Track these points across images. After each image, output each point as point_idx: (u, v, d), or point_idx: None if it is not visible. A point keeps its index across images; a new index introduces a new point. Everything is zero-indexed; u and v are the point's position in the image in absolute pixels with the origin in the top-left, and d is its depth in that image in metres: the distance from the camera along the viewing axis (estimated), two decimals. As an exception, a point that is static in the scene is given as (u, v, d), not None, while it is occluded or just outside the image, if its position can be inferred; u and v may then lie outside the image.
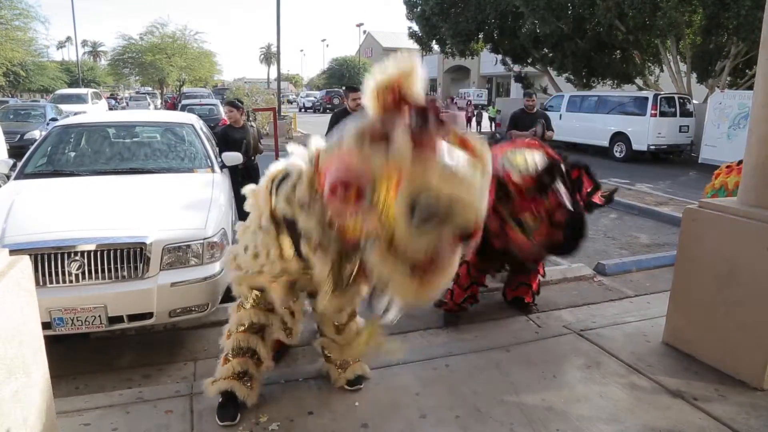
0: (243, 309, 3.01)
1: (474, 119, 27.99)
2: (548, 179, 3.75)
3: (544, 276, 4.84)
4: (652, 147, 15.48)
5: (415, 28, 26.74)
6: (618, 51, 20.14)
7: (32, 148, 5.36)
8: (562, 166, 3.92)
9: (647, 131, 15.38)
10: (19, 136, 13.75)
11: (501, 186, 3.70)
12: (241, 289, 3.01)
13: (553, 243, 3.89)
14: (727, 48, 16.63)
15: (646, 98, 15.89)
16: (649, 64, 20.25)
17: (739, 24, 14.58)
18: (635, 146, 15.71)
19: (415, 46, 28.88)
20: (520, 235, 3.79)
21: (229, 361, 2.99)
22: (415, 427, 2.99)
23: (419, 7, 24.81)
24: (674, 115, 15.68)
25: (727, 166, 5.21)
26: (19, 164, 5.09)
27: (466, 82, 56.51)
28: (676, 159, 16.44)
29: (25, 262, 2.27)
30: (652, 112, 15.35)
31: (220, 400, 3.00)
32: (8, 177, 5.10)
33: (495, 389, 3.35)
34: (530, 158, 3.89)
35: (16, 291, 2.13)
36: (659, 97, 15.77)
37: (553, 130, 8.10)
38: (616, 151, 16.29)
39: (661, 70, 20.10)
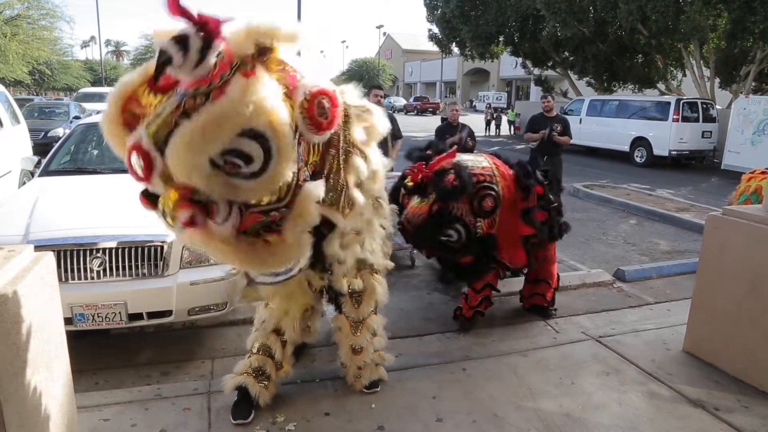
0: (267, 307, 3.09)
1: (493, 122, 27.91)
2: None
3: (557, 288, 4.80)
4: (673, 152, 15.30)
5: (435, 30, 26.74)
6: (640, 55, 19.95)
7: (56, 145, 5.44)
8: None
9: (669, 136, 15.20)
10: (43, 133, 13.97)
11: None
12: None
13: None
14: (753, 53, 16.37)
15: (668, 103, 15.71)
16: (672, 68, 20.01)
17: (766, 28, 14.36)
18: (656, 151, 15.53)
19: (435, 48, 28.91)
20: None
21: (248, 357, 3.07)
22: (432, 431, 2.98)
23: (440, 10, 24.81)
24: (697, 120, 15.46)
25: (762, 171, 5.04)
26: (44, 162, 5.17)
27: (485, 85, 56.40)
28: (698, 165, 16.23)
29: (49, 258, 2.30)
30: (675, 117, 15.17)
31: (236, 398, 3.03)
32: (33, 174, 5.18)
33: (512, 394, 3.32)
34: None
35: (40, 286, 2.16)
36: (682, 101, 15.58)
37: (570, 136, 7.94)
38: (637, 156, 16.12)
39: (684, 75, 19.85)
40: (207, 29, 1.88)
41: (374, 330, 3.24)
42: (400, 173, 4.21)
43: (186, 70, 1.89)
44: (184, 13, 1.84)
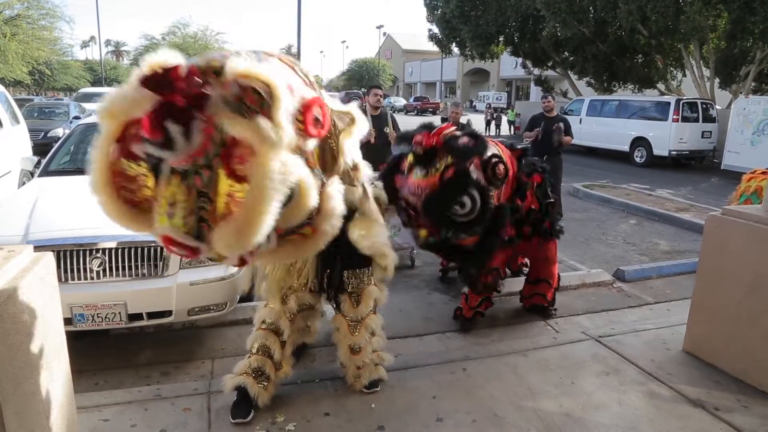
0: (266, 307, 3.12)
1: (493, 122, 27.91)
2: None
3: (558, 288, 4.80)
4: (673, 152, 15.30)
5: (435, 30, 26.76)
6: (640, 55, 19.95)
7: (56, 146, 5.44)
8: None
9: (669, 136, 15.20)
10: (43, 133, 13.98)
11: None
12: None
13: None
14: (752, 53, 16.38)
15: (668, 103, 15.72)
16: (672, 68, 20.01)
17: (766, 28, 14.37)
18: (656, 151, 15.54)
19: (435, 48, 28.92)
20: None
21: (248, 358, 3.07)
22: (432, 430, 2.97)
23: (440, 10, 24.82)
24: (697, 120, 15.47)
25: (763, 171, 5.04)
26: (44, 162, 5.17)
27: (485, 85, 56.39)
28: (697, 165, 16.23)
29: (49, 259, 2.30)
30: (674, 117, 15.17)
31: (235, 398, 3.03)
32: (32, 174, 5.18)
33: (512, 394, 3.32)
34: None
35: (40, 287, 2.16)
36: (681, 102, 15.58)
37: (571, 135, 7.91)
38: (637, 156, 16.12)
39: (684, 75, 19.85)
40: (192, 99, 1.86)
41: (372, 330, 3.24)
42: None
43: (181, 151, 1.86)
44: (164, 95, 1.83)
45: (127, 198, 2.06)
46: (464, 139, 3.48)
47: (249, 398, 2.99)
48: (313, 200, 2.17)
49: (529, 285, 4.77)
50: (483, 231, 3.64)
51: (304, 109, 2.15)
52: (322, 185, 2.35)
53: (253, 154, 1.87)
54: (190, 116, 1.85)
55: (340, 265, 3.07)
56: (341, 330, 3.20)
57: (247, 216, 1.88)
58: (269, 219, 1.90)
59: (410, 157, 3.55)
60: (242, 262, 2.17)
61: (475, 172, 3.50)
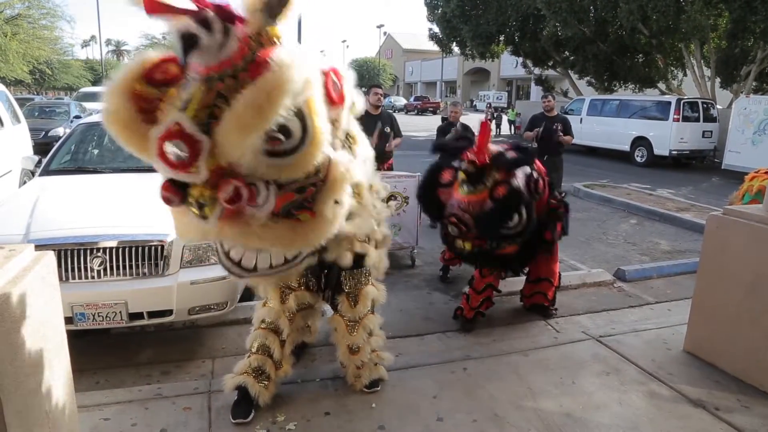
0: (265, 306, 3.11)
1: (494, 122, 27.90)
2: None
3: (558, 286, 4.80)
4: (674, 152, 15.29)
5: (436, 29, 26.78)
6: (640, 54, 19.94)
7: (57, 145, 5.44)
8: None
9: (669, 136, 15.19)
10: (43, 132, 13.97)
11: None
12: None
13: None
14: (753, 52, 16.37)
15: (669, 103, 15.70)
16: (672, 68, 20.01)
17: (767, 28, 14.34)
18: (657, 151, 15.53)
19: (436, 47, 28.92)
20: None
21: (248, 357, 3.07)
22: (432, 430, 2.97)
23: (440, 9, 24.83)
24: (697, 120, 15.46)
25: (766, 171, 5.01)
26: (44, 161, 5.17)
27: (486, 85, 56.37)
28: (698, 165, 16.23)
29: (50, 258, 2.30)
30: (675, 116, 15.16)
31: (236, 397, 3.03)
32: (33, 173, 5.18)
33: (513, 394, 3.32)
34: None
35: (41, 286, 2.16)
36: (682, 101, 15.57)
37: (572, 135, 7.89)
38: (637, 156, 16.11)
39: (685, 75, 19.85)
40: (224, 12, 1.87)
41: (371, 329, 3.24)
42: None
43: (212, 52, 1.86)
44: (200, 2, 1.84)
45: (140, 109, 1.95)
46: (512, 154, 3.73)
47: (250, 398, 2.98)
48: (323, 148, 2.13)
49: (530, 284, 4.76)
50: (524, 240, 3.94)
51: (324, 75, 2.17)
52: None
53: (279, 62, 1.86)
54: (229, 21, 1.87)
55: (337, 265, 3.02)
56: (339, 330, 3.19)
57: (255, 102, 1.81)
58: (274, 114, 1.83)
59: (461, 175, 3.72)
60: (234, 198, 1.93)
61: (523, 189, 3.73)
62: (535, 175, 3.84)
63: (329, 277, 3.12)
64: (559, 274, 4.81)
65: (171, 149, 1.84)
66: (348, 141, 2.55)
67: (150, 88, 1.93)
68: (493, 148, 3.76)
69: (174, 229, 2.34)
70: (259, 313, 3.13)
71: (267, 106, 1.82)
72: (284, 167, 2.06)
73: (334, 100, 2.24)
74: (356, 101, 2.57)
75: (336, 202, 2.33)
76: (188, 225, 2.17)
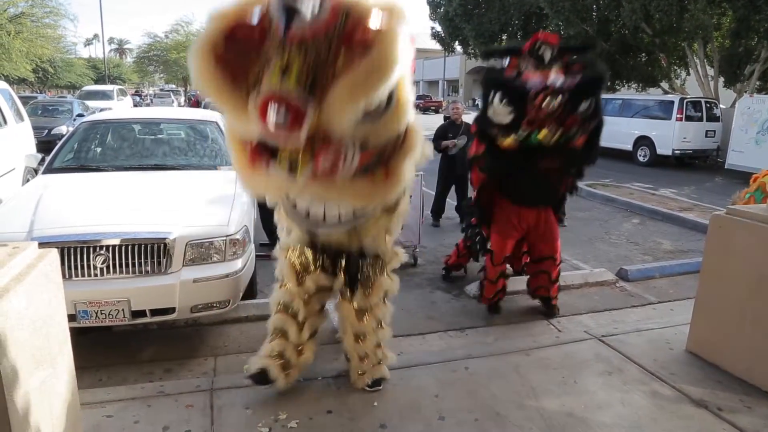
0: (281, 288, 3.17)
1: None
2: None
3: (557, 280, 4.77)
4: (677, 152, 15.23)
5: (438, 28, 26.73)
6: (643, 54, 19.86)
7: (60, 143, 5.45)
8: None
9: (672, 135, 15.13)
10: (46, 131, 14.00)
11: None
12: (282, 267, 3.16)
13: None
14: (757, 51, 16.29)
15: (672, 102, 15.63)
16: (675, 67, 19.93)
17: (771, 27, 14.29)
18: (660, 150, 15.48)
19: (438, 46, 28.87)
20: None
21: (270, 342, 3.16)
22: (434, 429, 2.98)
23: (442, 8, 24.78)
24: (701, 119, 15.40)
25: None
26: (47, 159, 5.18)
27: (488, 84, 55.99)
28: (701, 164, 16.17)
29: (53, 255, 2.31)
30: (678, 116, 15.10)
31: (257, 373, 3.14)
32: (36, 171, 5.19)
33: (514, 393, 3.32)
34: None
35: (44, 283, 2.16)
36: (685, 101, 15.50)
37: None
38: (640, 156, 16.06)
39: (688, 74, 19.77)
40: None
41: (380, 320, 3.26)
42: None
43: (307, 21, 1.96)
44: None
45: (225, 72, 2.04)
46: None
47: (269, 381, 3.10)
48: (408, 114, 2.27)
49: (534, 264, 4.76)
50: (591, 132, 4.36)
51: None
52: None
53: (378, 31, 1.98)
54: None
55: (358, 253, 3.08)
56: (348, 317, 3.22)
57: (366, 72, 1.94)
58: (385, 85, 1.97)
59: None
60: (335, 165, 2.12)
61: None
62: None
63: (349, 264, 3.13)
64: (559, 270, 4.78)
65: (275, 112, 1.94)
66: None
67: (232, 51, 2.03)
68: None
69: (243, 187, 2.54)
70: (276, 295, 3.20)
71: (378, 77, 1.96)
72: (376, 130, 2.21)
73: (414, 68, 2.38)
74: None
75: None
76: (264, 182, 2.33)
